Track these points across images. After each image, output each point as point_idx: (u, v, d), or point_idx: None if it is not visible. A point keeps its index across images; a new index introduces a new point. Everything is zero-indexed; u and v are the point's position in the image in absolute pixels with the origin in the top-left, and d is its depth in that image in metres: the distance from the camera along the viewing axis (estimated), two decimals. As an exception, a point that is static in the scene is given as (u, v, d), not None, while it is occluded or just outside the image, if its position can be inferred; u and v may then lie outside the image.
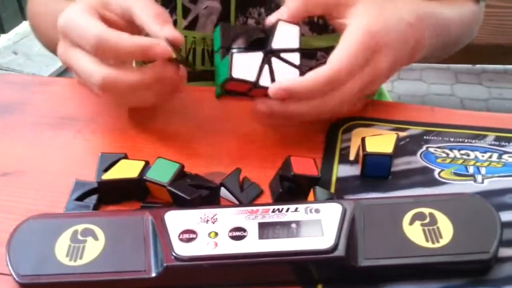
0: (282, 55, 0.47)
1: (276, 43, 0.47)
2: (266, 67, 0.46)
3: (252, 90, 0.46)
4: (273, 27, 0.48)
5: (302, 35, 0.48)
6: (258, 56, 0.46)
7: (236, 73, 0.45)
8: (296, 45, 0.47)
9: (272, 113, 0.45)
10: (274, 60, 0.46)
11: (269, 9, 0.62)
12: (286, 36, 0.47)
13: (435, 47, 0.57)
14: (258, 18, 0.63)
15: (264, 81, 0.45)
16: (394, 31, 0.48)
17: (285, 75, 0.46)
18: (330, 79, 0.44)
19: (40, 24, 0.67)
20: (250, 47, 0.47)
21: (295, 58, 0.47)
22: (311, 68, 0.65)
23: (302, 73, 0.46)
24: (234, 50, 0.46)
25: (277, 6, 0.61)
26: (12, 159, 0.48)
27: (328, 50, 0.47)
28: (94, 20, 0.46)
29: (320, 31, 0.64)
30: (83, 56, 0.46)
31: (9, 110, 0.55)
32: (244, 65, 0.46)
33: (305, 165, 0.43)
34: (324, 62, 0.45)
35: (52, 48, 0.67)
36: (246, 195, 0.43)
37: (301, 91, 0.44)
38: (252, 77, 0.45)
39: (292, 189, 0.42)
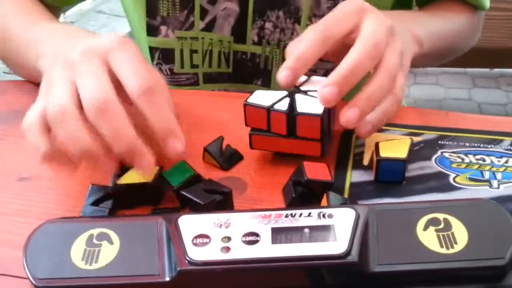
0: (310, 93, 0.46)
1: (305, 87, 0.47)
2: (287, 99, 0.46)
3: (278, 133, 0.45)
4: (305, 80, 0.48)
5: None
6: (281, 93, 0.46)
7: (252, 100, 0.46)
8: None
9: (337, 83, 0.43)
10: (297, 95, 0.46)
11: (287, 11, 0.62)
12: (320, 81, 0.47)
13: (433, 50, 0.59)
14: (275, 22, 0.63)
15: (281, 106, 0.45)
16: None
17: (307, 106, 0.45)
18: (362, 51, 0.44)
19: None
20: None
21: None
22: (327, 70, 0.65)
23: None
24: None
25: (296, 9, 0.62)
26: (28, 164, 0.49)
27: None
28: (109, 81, 0.41)
29: None
30: (76, 123, 0.40)
31: (25, 115, 0.56)
32: (263, 97, 0.46)
33: (318, 170, 0.43)
34: None
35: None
36: (227, 160, 0.48)
37: (348, 72, 0.43)
38: (266, 104, 0.45)
39: (305, 194, 0.42)
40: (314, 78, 0.48)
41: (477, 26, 0.72)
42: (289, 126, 0.45)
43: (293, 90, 0.47)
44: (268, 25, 0.63)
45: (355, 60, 0.43)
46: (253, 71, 0.66)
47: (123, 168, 0.44)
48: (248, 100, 0.46)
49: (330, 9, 0.62)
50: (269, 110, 0.45)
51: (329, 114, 0.46)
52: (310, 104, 0.45)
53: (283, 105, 0.45)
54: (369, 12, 0.47)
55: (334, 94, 0.43)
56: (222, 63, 0.66)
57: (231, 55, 0.65)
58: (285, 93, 0.46)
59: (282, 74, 0.45)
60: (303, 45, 0.45)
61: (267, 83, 0.67)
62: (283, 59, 0.65)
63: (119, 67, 0.41)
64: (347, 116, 0.43)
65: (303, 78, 0.48)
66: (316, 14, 0.62)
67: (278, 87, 0.46)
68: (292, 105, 0.45)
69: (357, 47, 0.44)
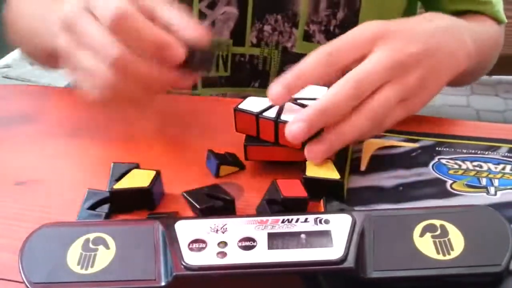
0: (300, 101, 0.46)
1: (298, 95, 0.46)
2: (276, 106, 0.46)
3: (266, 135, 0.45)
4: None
5: None
6: None
7: (243, 106, 0.46)
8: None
9: (307, 121, 0.41)
10: (288, 103, 0.46)
11: (285, 16, 0.63)
12: (312, 91, 0.46)
13: (478, 62, 0.53)
14: (274, 25, 0.63)
15: (269, 113, 0.45)
16: (434, 43, 0.45)
17: (293, 114, 0.44)
18: (341, 91, 0.41)
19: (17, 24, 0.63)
20: None
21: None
22: None
23: None
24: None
25: (293, 14, 0.62)
26: (25, 168, 0.49)
27: None
28: None
29: None
30: (99, 26, 0.41)
31: (24, 119, 0.56)
32: (254, 103, 0.46)
33: (292, 187, 0.42)
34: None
35: (27, 46, 0.63)
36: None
37: (319, 113, 0.41)
38: (256, 110, 0.45)
39: (281, 213, 0.41)
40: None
41: (502, 38, 0.68)
42: (277, 134, 0.45)
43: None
44: (267, 27, 0.64)
45: (331, 100, 0.41)
46: (251, 73, 0.66)
47: (122, 174, 0.44)
48: (239, 106, 0.46)
49: (328, 17, 0.62)
50: (257, 116, 0.45)
51: None
52: (296, 113, 0.44)
53: (272, 113, 0.45)
54: (384, 40, 0.43)
55: (302, 131, 0.41)
56: (220, 67, 0.66)
57: (229, 57, 0.66)
58: None
59: (274, 90, 0.43)
60: (305, 64, 0.43)
61: (265, 85, 0.67)
62: (281, 61, 0.66)
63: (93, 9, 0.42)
64: (291, 131, 0.41)
65: None
66: (314, 21, 0.63)
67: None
68: (280, 112, 0.45)
69: (338, 85, 0.42)
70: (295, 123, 0.42)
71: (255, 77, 0.67)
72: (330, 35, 0.63)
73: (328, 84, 0.44)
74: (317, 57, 0.43)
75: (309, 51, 0.62)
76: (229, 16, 0.63)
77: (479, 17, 0.65)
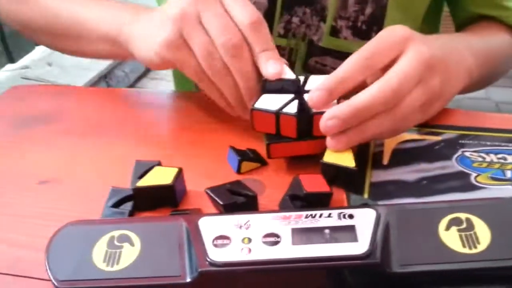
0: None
1: (308, 87, 0.47)
2: (295, 101, 0.45)
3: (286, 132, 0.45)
4: (305, 80, 0.48)
5: None
6: (288, 96, 0.46)
7: (258, 105, 0.46)
8: None
9: (341, 119, 0.42)
10: (306, 95, 0.45)
11: (314, 9, 0.63)
12: (319, 81, 0.46)
13: (481, 75, 0.56)
14: (302, 17, 0.64)
15: (290, 109, 0.45)
16: (445, 54, 0.48)
17: None
18: (379, 94, 0.42)
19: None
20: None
21: None
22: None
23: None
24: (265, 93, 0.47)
25: (322, 8, 0.62)
26: (49, 167, 0.50)
27: None
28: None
29: (362, 36, 0.63)
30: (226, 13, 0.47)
31: (45, 119, 0.57)
32: (270, 100, 0.46)
33: (315, 182, 0.42)
34: None
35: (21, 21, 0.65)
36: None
37: (356, 112, 0.42)
38: (274, 108, 0.45)
39: (304, 208, 0.41)
40: (313, 77, 0.48)
41: None
42: (299, 128, 0.45)
43: (299, 91, 0.46)
44: (295, 19, 0.64)
45: (370, 101, 0.42)
46: None
47: (144, 171, 0.45)
48: (255, 105, 0.46)
49: (356, 13, 0.62)
50: (277, 114, 0.45)
51: None
52: None
53: (292, 108, 0.45)
54: (413, 42, 0.45)
55: (337, 126, 0.43)
56: None
57: None
58: (292, 96, 0.46)
59: (316, 94, 0.44)
60: (345, 67, 0.44)
61: None
62: (306, 53, 0.65)
63: (230, 7, 0.47)
64: (326, 126, 0.43)
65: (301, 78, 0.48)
66: (342, 16, 0.62)
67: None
68: (302, 107, 0.45)
69: (378, 88, 0.42)
70: (330, 119, 0.43)
71: None
72: (357, 31, 0.63)
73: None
74: (355, 61, 0.44)
75: (335, 46, 0.62)
76: (259, 7, 0.63)
77: (494, 28, 0.65)
